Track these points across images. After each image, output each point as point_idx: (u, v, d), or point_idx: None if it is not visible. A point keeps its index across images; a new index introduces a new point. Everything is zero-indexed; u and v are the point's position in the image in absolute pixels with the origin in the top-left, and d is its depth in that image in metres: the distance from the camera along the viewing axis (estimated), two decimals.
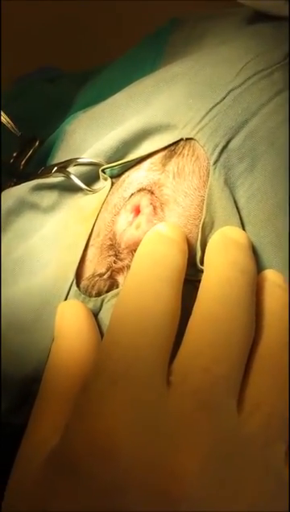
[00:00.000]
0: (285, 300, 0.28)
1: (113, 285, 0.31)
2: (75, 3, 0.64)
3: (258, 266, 0.29)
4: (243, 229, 0.29)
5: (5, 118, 0.36)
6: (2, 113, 0.36)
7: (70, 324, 0.29)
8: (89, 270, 0.32)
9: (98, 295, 0.31)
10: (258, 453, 0.25)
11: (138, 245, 0.30)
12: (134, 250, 0.30)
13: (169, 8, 0.43)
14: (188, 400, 0.24)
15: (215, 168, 0.30)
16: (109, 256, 0.31)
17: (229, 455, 0.24)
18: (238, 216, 0.29)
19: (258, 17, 0.37)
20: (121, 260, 0.31)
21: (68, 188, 0.34)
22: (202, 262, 0.29)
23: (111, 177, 0.33)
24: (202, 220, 0.29)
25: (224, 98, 0.31)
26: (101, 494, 0.23)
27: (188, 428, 0.24)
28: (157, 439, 0.23)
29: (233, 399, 0.25)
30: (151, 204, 0.31)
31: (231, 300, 0.26)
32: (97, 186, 0.34)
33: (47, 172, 0.34)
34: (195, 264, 0.29)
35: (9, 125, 0.36)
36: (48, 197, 0.34)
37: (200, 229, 0.29)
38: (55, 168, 0.34)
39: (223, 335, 0.25)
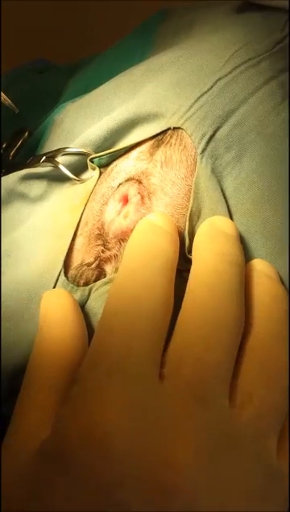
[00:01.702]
0: (274, 290, 0.28)
1: (100, 274, 0.31)
2: (75, 2, 0.64)
3: (247, 256, 0.29)
4: (231, 218, 0.29)
5: (3, 96, 0.36)
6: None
7: (55, 312, 0.29)
8: (76, 260, 0.32)
9: (86, 284, 0.31)
10: (249, 445, 0.25)
11: (126, 235, 0.30)
12: (122, 240, 0.30)
13: (167, 3, 0.43)
14: (181, 391, 0.24)
15: (202, 157, 0.30)
16: (97, 245, 0.31)
17: (222, 446, 0.24)
18: (225, 205, 0.29)
19: (248, 6, 0.36)
20: (109, 249, 0.31)
21: (57, 178, 0.34)
22: (190, 252, 0.29)
23: (99, 166, 0.33)
24: (189, 210, 0.29)
25: (211, 87, 0.31)
26: (96, 487, 0.23)
27: (182, 419, 0.24)
28: (151, 431, 0.23)
29: (225, 388, 0.25)
30: (139, 193, 0.31)
31: (220, 291, 0.26)
32: (85, 175, 0.34)
33: (35, 162, 0.34)
34: (183, 253, 0.29)
35: (6, 103, 0.36)
36: (37, 187, 0.34)
37: (187, 219, 0.29)
38: (44, 158, 0.34)
39: (214, 324, 0.25)
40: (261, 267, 0.28)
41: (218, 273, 0.26)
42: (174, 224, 0.29)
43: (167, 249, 0.27)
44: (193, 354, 0.25)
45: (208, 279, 0.26)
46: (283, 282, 0.29)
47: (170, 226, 0.28)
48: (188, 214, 0.29)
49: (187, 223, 0.29)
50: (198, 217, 0.29)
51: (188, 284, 0.27)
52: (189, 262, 0.29)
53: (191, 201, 0.29)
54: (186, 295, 0.27)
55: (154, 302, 0.26)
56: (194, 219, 0.29)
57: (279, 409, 0.26)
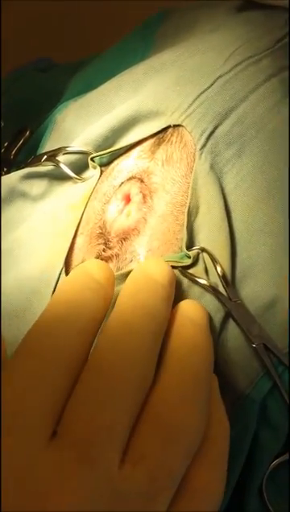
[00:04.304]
0: (194, 340, 0.26)
1: None
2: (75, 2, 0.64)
3: (245, 254, 0.29)
4: (229, 214, 0.29)
5: None
6: None
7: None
8: (78, 259, 0.32)
9: None
10: (140, 507, 0.23)
11: (128, 234, 0.30)
12: (124, 239, 0.30)
13: (166, 3, 0.43)
14: (66, 453, 0.23)
15: (201, 154, 0.30)
16: (99, 244, 0.31)
17: (107, 506, 0.23)
18: (222, 202, 0.29)
19: (249, 4, 0.36)
20: (110, 248, 0.31)
21: (58, 177, 0.34)
22: (188, 248, 0.29)
23: (100, 165, 0.33)
24: (187, 206, 0.29)
25: (212, 85, 0.31)
26: None
27: (60, 481, 0.22)
28: (26, 498, 0.22)
29: (116, 448, 0.23)
30: (141, 192, 0.31)
31: (129, 348, 0.24)
32: (86, 174, 0.34)
33: (37, 161, 0.35)
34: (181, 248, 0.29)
35: None
36: (38, 186, 0.34)
37: (185, 215, 0.29)
38: (45, 157, 0.34)
39: (113, 383, 0.24)
40: (188, 312, 0.27)
41: (131, 329, 0.25)
42: (111, 274, 0.27)
43: (96, 307, 0.26)
44: (84, 414, 0.23)
45: (118, 335, 0.25)
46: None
47: (106, 278, 0.26)
48: (186, 210, 0.29)
49: (185, 219, 0.29)
50: (197, 213, 0.29)
51: (98, 337, 0.25)
52: (189, 257, 0.28)
53: (189, 197, 0.29)
54: (93, 348, 0.25)
55: (63, 361, 0.24)
56: (193, 215, 0.29)
57: (173, 472, 0.24)
